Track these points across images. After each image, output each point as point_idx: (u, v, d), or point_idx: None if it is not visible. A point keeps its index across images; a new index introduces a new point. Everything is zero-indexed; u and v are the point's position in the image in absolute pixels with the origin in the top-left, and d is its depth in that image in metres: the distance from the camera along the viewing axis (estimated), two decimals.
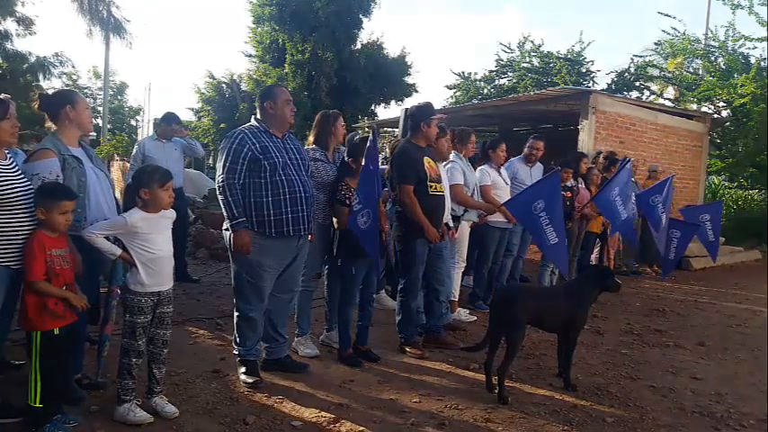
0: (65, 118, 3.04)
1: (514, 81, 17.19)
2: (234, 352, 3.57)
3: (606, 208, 5.32)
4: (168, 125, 6.03)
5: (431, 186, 4.13)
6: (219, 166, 3.35)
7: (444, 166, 4.73)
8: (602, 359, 4.31)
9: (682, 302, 6.54)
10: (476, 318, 5.21)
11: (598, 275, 3.89)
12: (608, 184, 5.32)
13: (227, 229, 3.36)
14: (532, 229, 4.83)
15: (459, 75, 18.16)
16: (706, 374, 4.08)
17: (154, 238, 2.86)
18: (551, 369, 3.94)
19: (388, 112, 19.67)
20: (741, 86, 11.55)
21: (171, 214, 3.00)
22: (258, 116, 3.50)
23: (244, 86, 19.48)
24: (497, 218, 5.40)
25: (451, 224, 4.65)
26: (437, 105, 4.49)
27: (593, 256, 7.25)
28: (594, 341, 4.76)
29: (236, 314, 3.54)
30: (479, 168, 5.45)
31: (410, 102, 19.38)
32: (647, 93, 16.63)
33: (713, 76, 12.91)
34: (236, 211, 3.28)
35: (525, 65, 17.36)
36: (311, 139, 4.14)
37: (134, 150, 6.26)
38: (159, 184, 2.86)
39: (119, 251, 2.84)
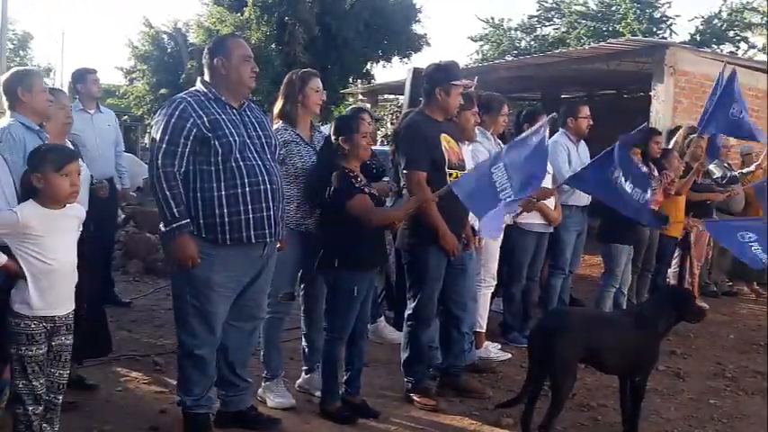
0: None
1: (563, 30, 17.27)
2: (178, 402, 3.56)
3: None
4: (83, 82, 6.07)
5: (451, 175, 4.13)
6: (153, 147, 3.35)
7: (467, 147, 4.73)
8: (683, 412, 4.32)
9: None
10: (510, 355, 5.21)
11: (673, 300, 3.91)
12: None
13: (164, 234, 3.37)
14: (614, 199, 5.06)
15: (487, 22, 18.22)
16: None
17: (51, 243, 2.88)
18: (613, 425, 3.95)
19: (390, 72, 19.74)
20: None
21: (80, 212, 3.03)
22: (206, 78, 3.50)
23: (191, 38, 19.49)
24: (533, 218, 5.40)
25: (477, 227, 4.65)
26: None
27: (672, 270, 7.25)
28: (673, 387, 4.77)
29: (179, 351, 3.54)
30: None
31: (420, 59, 19.40)
32: (744, 47, 16.66)
33: None
34: (175, 210, 3.27)
35: (578, 7, 17.41)
36: (275, 111, 4.16)
37: None
38: (54, 166, 2.88)
39: (3, 258, 2.85)
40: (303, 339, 4.26)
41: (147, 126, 20.88)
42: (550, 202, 5.45)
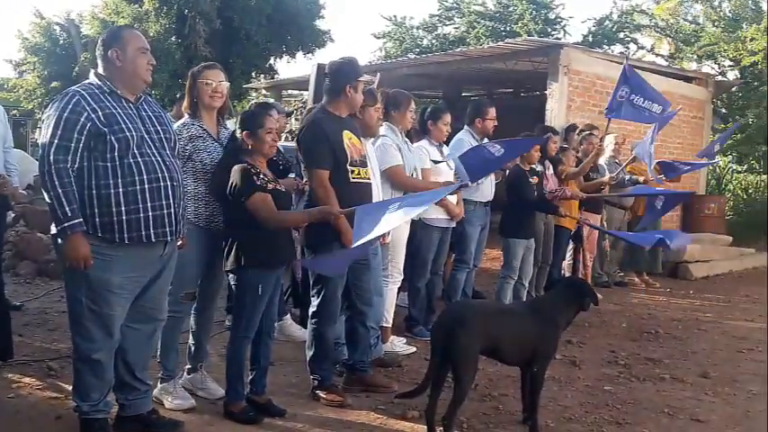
0: None
1: (463, 30, 17.58)
2: (74, 408, 3.46)
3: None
4: None
5: (352, 171, 4.15)
6: (45, 142, 3.22)
7: (373, 143, 4.75)
8: (579, 399, 4.48)
9: (679, 322, 6.90)
10: (415, 348, 5.29)
11: (571, 290, 4.05)
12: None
13: (56, 234, 3.25)
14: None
15: (390, 20, 18.36)
16: (711, 415, 4.31)
17: None
18: (514, 414, 4.05)
19: (294, 68, 19.58)
20: (751, 40, 12.15)
21: None
22: (100, 71, 3.40)
23: (85, 29, 18.81)
24: (436, 214, 5.50)
25: None
26: (360, 62, 4.52)
27: (566, 263, 7.52)
28: (569, 375, 4.94)
29: (74, 355, 3.43)
30: (416, 146, 5.53)
31: (324, 55, 19.36)
32: (633, 47, 17.43)
33: (716, 27, 13.61)
34: (67, 209, 3.16)
35: (477, 7, 17.77)
36: (184, 105, 4.11)
37: None
38: None
39: None
40: (190, 337, 4.20)
41: (37, 121, 20.11)
42: (453, 198, 5.55)
